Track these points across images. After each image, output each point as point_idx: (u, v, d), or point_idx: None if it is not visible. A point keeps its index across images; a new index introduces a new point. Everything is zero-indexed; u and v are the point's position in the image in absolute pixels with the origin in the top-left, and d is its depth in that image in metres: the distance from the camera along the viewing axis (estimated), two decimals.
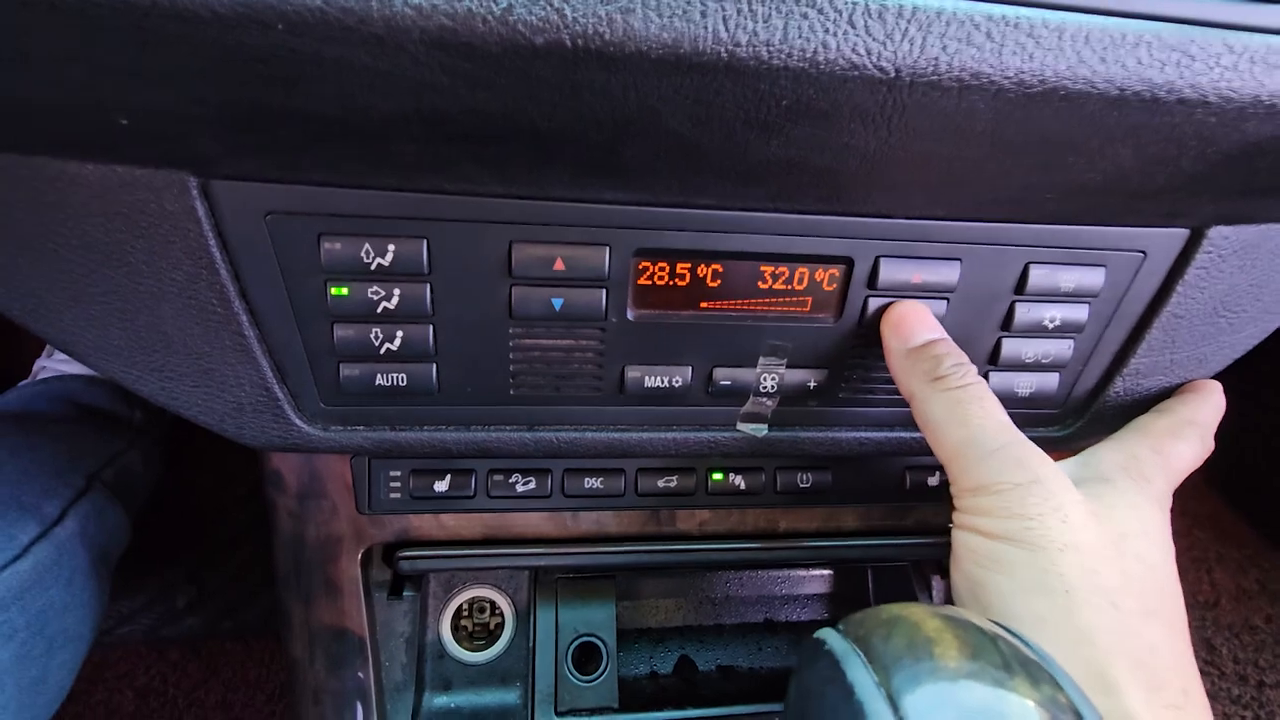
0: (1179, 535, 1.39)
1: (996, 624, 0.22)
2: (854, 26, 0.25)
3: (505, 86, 0.26)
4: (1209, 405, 0.45)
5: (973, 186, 0.35)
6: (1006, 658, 0.19)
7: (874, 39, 0.25)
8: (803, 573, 0.63)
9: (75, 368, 0.95)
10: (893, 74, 0.26)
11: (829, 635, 0.22)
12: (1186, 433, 0.43)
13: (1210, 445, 0.44)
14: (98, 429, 0.81)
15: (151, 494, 0.89)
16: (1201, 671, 1.25)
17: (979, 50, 0.26)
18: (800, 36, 0.25)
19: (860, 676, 0.19)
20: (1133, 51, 0.27)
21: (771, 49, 0.25)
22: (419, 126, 0.28)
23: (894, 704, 0.18)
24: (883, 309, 0.42)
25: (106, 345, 0.37)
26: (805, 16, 0.24)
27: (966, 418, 0.37)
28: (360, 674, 0.48)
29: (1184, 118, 0.29)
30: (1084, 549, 0.34)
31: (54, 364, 0.97)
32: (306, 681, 0.48)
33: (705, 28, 0.24)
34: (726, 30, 0.24)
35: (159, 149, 0.31)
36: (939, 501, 0.55)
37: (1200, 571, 1.35)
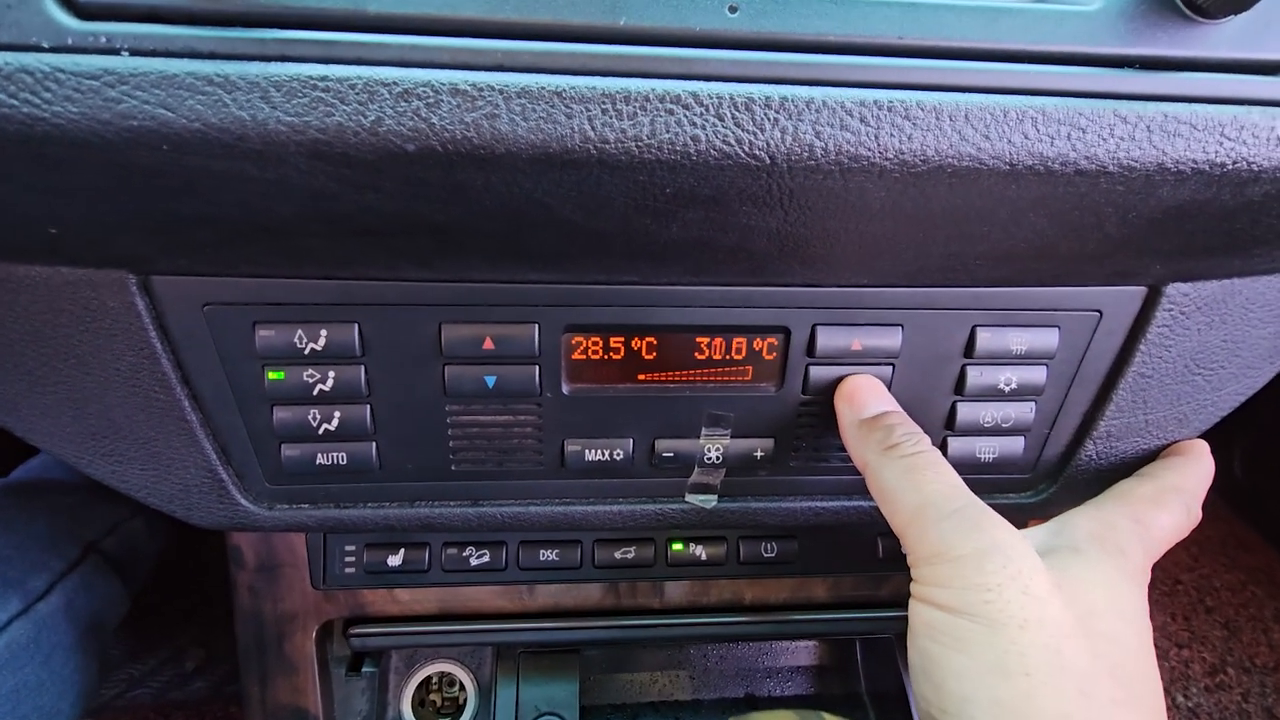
0: (1232, 590, 1.30)
1: None
2: (721, 120, 0.25)
3: (391, 189, 0.27)
4: (1195, 471, 0.43)
5: (895, 258, 0.35)
6: None
7: (743, 130, 0.25)
8: (786, 645, 0.61)
9: None
10: (768, 161, 0.26)
11: None
12: (1169, 500, 0.40)
13: (1197, 515, 0.41)
14: (104, 495, 0.84)
15: (159, 559, 0.91)
16: None
17: (854, 135, 0.26)
18: (668, 132, 0.25)
19: None
20: (1018, 127, 0.26)
21: (641, 144, 0.25)
22: (321, 225, 0.30)
23: None
24: (836, 382, 0.41)
25: (59, 432, 0.38)
26: (671, 112, 0.25)
27: (920, 484, 0.36)
28: None
29: (1089, 188, 0.28)
30: (1047, 625, 0.31)
31: None
32: None
33: (572, 128, 0.25)
34: (593, 130, 0.25)
35: (94, 252, 0.33)
36: None
37: (1257, 632, 1.25)
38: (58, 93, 0.23)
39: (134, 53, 0.24)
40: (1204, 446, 0.45)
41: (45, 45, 0.23)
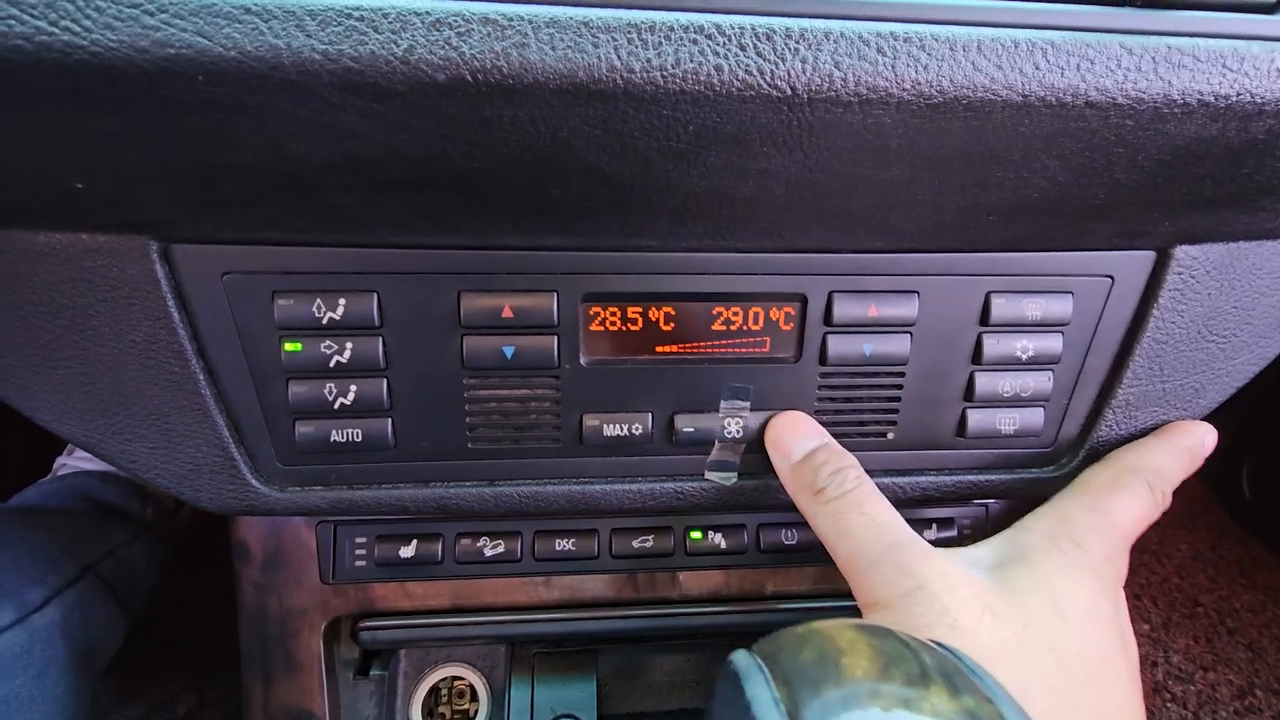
0: (1253, 611, 1.27)
1: (934, 643, 0.20)
2: (744, 49, 0.26)
3: (420, 127, 0.27)
4: (1161, 449, 0.42)
5: (911, 212, 0.35)
6: (926, 669, 0.17)
7: (765, 59, 0.26)
8: None
9: (93, 465, 0.97)
10: (789, 92, 0.26)
11: (738, 655, 0.20)
12: (1127, 483, 0.39)
13: (1164, 495, 0.40)
14: (103, 522, 0.82)
15: (156, 592, 0.88)
16: None
17: (872, 65, 0.26)
18: (692, 61, 0.26)
19: (759, 693, 0.17)
20: (1029, 58, 0.27)
21: (665, 74, 0.26)
22: (350, 175, 0.30)
23: (793, 718, 0.16)
24: (764, 424, 0.42)
25: (70, 409, 0.38)
26: (695, 42, 0.26)
27: (847, 529, 0.36)
28: None
29: (1099, 122, 0.29)
30: (978, 652, 0.30)
31: (73, 461, 0.99)
32: None
33: (599, 57, 0.25)
34: (619, 58, 0.25)
35: (118, 214, 0.33)
36: None
37: None
38: (98, 20, 0.23)
39: None
40: (1183, 425, 0.44)
41: None
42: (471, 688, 0.53)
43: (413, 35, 0.24)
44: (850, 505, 0.36)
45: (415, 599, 0.47)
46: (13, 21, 0.23)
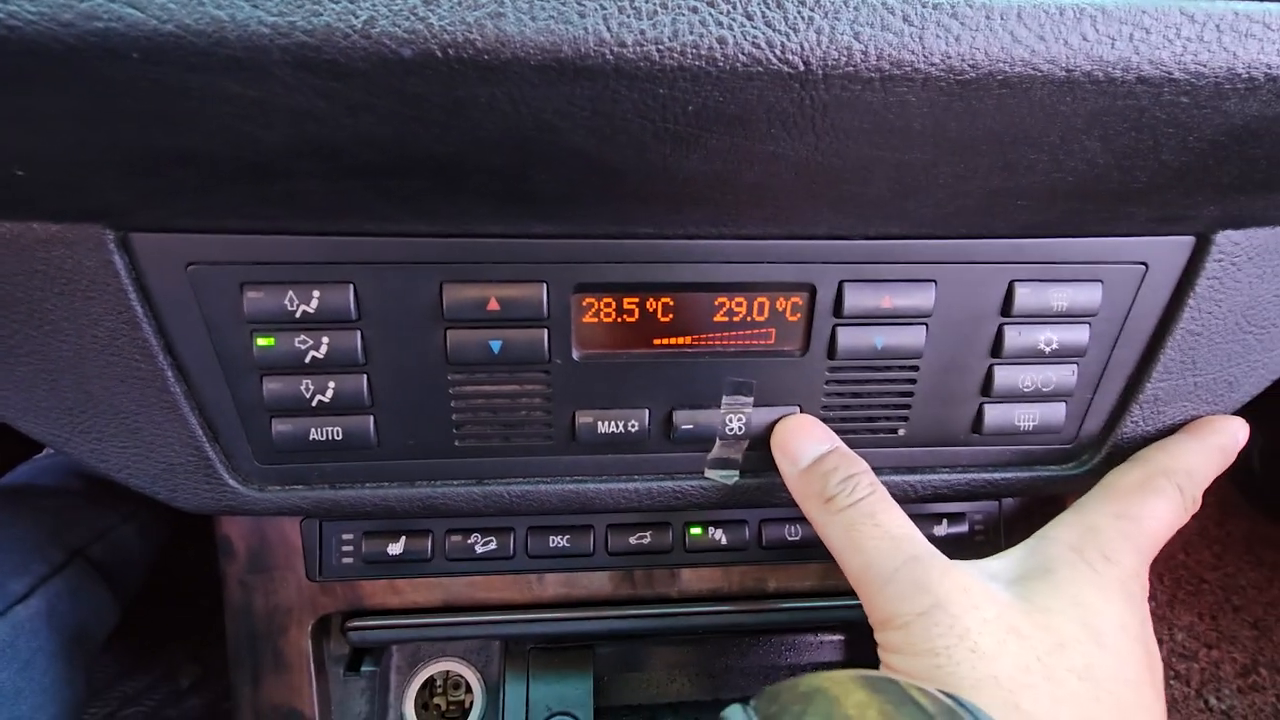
0: (1259, 588, 1.25)
1: (945, 695, 0.18)
2: (750, 18, 0.23)
3: (385, 109, 0.24)
4: (1193, 449, 0.39)
5: (930, 197, 0.32)
6: None
7: (775, 30, 0.23)
8: (811, 638, 0.58)
9: None
10: (801, 67, 0.23)
11: (734, 715, 0.18)
12: (1159, 485, 0.37)
13: (1194, 499, 0.37)
14: (94, 501, 0.81)
15: (152, 569, 0.87)
16: None
17: (897, 36, 0.23)
18: (692, 33, 0.23)
19: None
20: (1076, 27, 0.24)
21: (661, 48, 0.23)
22: (313, 160, 0.27)
23: None
24: (769, 422, 0.39)
25: (34, 407, 0.35)
26: (695, 10, 0.23)
27: (859, 540, 0.34)
28: None
29: (1150, 100, 0.26)
30: (1001, 680, 0.29)
31: None
32: None
33: (585, 29, 0.22)
34: (609, 30, 0.22)
35: (67, 201, 0.30)
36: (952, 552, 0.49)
37: None
38: None
39: None
40: (1214, 421, 0.41)
41: None
42: (466, 680, 0.52)
43: (373, 5, 0.21)
44: (862, 515, 0.34)
45: (405, 596, 0.45)
46: None
